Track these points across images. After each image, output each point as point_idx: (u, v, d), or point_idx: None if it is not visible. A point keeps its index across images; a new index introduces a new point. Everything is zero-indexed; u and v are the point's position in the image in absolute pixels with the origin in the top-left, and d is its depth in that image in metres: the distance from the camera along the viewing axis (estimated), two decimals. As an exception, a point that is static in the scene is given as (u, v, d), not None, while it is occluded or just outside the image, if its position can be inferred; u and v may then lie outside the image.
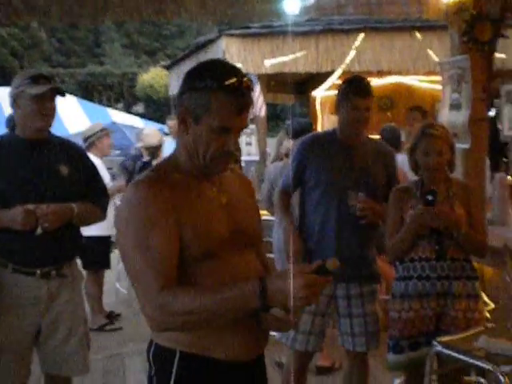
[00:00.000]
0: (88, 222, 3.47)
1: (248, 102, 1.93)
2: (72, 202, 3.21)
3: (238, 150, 1.98)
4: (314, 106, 8.94)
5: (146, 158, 6.96)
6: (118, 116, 14.82)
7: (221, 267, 1.94)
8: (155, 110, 29.06)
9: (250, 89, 1.93)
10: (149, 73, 30.04)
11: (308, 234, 3.58)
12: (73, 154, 3.38)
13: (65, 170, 3.23)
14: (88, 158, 3.57)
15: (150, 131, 7.45)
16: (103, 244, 6.18)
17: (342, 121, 3.56)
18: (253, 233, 2.11)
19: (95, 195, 3.40)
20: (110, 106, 21.22)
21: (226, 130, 1.93)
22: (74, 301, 3.31)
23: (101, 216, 3.50)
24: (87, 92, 28.54)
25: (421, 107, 7.36)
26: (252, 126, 8.05)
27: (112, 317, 6.43)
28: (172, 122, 9.38)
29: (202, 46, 8.58)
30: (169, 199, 1.90)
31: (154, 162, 7.16)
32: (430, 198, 3.19)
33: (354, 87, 3.51)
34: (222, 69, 1.95)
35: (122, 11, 4.82)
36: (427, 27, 7.57)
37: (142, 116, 20.30)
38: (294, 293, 1.73)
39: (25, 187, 3.12)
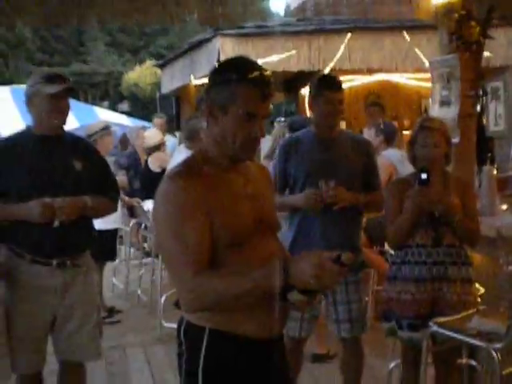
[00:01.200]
0: (100, 215, 3.64)
1: (270, 91, 2.12)
2: (85, 195, 3.36)
3: (264, 136, 2.24)
4: (303, 103, 9.11)
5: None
6: (105, 114, 14.87)
7: (248, 253, 2.11)
8: (141, 108, 29.08)
9: (270, 80, 2.12)
10: (134, 71, 30.07)
11: (292, 225, 3.75)
12: (85, 149, 3.55)
13: (78, 165, 3.38)
14: (99, 153, 3.73)
15: (150, 133, 7.63)
16: (110, 237, 6.32)
17: (317, 115, 3.71)
18: (274, 220, 2.30)
19: (107, 189, 3.55)
20: (95, 104, 21.22)
21: (253, 117, 2.09)
22: (87, 290, 3.47)
23: (112, 208, 3.66)
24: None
25: (379, 103, 7.49)
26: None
27: (113, 312, 6.57)
28: (159, 119, 9.54)
29: (197, 46, 8.72)
30: (201, 191, 2.06)
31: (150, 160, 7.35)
32: (423, 176, 3.34)
33: (326, 82, 3.72)
34: (245, 64, 2.15)
35: (108, 14, 4.92)
36: (415, 27, 7.77)
37: (127, 114, 20.34)
38: (310, 270, 1.89)
39: (41, 181, 3.26)
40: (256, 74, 2.08)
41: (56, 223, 3.24)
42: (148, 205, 6.48)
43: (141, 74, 29.76)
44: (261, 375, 2.19)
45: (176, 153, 6.07)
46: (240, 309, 2.09)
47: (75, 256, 3.39)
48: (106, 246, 6.20)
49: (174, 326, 5.92)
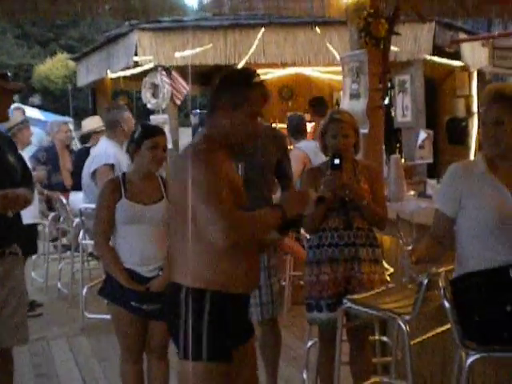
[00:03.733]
0: (26, 206, 3.68)
1: (269, 95, 2.70)
2: (18, 187, 3.47)
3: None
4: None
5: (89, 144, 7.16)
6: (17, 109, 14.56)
7: None
8: (52, 101, 28.48)
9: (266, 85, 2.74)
10: (45, 64, 29.40)
11: None
12: (12, 144, 3.69)
13: (12, 159, 3.52)
14: (15, 146, 3.84)
15: (87, 121, 7.62)
16: (30, 231, 6.29)
17: None
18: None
19: (27, 181, 3.66)
20: (5, 97, 20.63)
21: (257, 115, 2.67)
22: (22, 276, 3.62)
23: (31, 201, 3.73)
24: (-20, 84, 27.49)
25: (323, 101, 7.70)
26: (165, 116, 8.31)
27: (34, 305, 6.54)
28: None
29: (113, 39, 8.73)
30: (220, 163, 2.57)
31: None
32: (336, 161, 3.56)
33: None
34: (251, 72, 2.73)
35: (18, 6, 4.89)
36: (327, 23, 8.04)
37: (39, 107, 19.97)
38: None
39: None
40: (259, 79, 2.68)
41: (10, 213, 3.37)
42: (81, 194, 6.46)
43: (52, 67, 29.15)
44: (242, 324, 2.73)
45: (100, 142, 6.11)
46: (232, 270, 2.59)
47: (11, 245, 3.51)
48: (27, 240, 6.19)
49: (97, 316, 6.06)
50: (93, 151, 6.11)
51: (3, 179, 3.41)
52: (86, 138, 7.48)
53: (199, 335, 2.56)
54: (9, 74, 3.57)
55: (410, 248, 3.13)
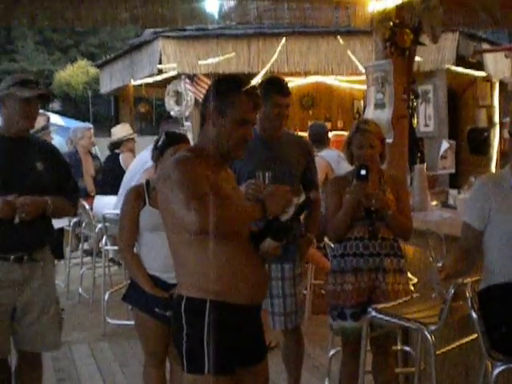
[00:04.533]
0: (60, 215, 3.83)
1: (260, 102, 2.62)
2: (46, 195, 3.48)
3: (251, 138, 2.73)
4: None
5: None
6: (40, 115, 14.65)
7: None
8: (73, 107, 28.76)
9: (259, 93, 2.66)
10: (66, 70, 29.69)
11: None
12: (48, 152, 3.68)
13: (41, 167, 3.52)
14: (62, 156, 3.87)
15: (117, 129, 7.68)
16: (57, 236, 6.32)
17: (264, 117, 3.81)
18: None
19: (67, 191, 3.69)
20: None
21: (246, 122, 2.57)
22: (45, 283, 3.60)
23: (71, 210, 3.82)
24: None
25: None
26: (188, 123, 8.36)
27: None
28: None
29: (137, 47, 8.81)
30: (203, 172, 2.50)
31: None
32: (363, 172, 3.56)
33: (276, 86, 3.85)
34: (239, 79, 2.68)
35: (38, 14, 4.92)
36: (350, 32, 8.07)
37: (59, 113, 20.13)
38: (281, 200, 2.53)
39: (5, 180, 3.40)
40: (249, 87, 2.58)
41: (16, 220, 3.36)
42: (105, 200, 6.50)
43: (72, 73, 29.42)
44: (248, 338, 2.63)
45: (144, 151, 6.19)
46: (236, 280, 2.54)
47: (32, 251, 3.51)
48: (53, 245, 6.23)
49: (118, 322, 6.11)
50: (139, 156, 6.15)
51: (29, 186, 3.43)
52: (115, 146, 7.52)
53: (200, 347, 2.49)
54: (31, 78, 3.56)
55: (439, 264, 3.11)
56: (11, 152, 3.48)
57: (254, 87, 2.62)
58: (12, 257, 3.43)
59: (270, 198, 2.53)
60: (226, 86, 2.58)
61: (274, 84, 3.88)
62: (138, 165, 5.78)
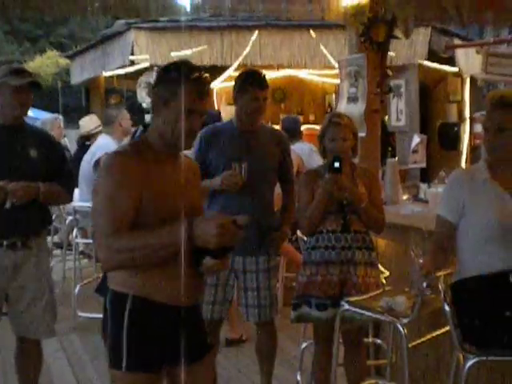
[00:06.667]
0: (55, 202, 3.94)
1: (207, 90, 2.44)
2: (40, 181, 3.51)
3: (198, 130, 2.57)
4: (211, 96, 9.26)
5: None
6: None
7: None
8: (42, 98, 28.35)
9: (208, 81, 2.44)
10: (35, 61, 29.24)
11: (213, 204, 3.88)
12: (43, 139, 3.71)
13: (34, 154, 3.55)
14: (57, 144, 3.92)
15: (85, 121, 7.59)
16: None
17: (240, 110, 3.81)
18: (198, 206, 2.60)
19: (62, 178, 3.69)
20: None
21: (191, 112, 2.38)
22: (39, 270, 3.62)
23: (67, 197, 3.84)
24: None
25: None
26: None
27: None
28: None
29: (109, 38, 8.72)
30: (137, 169, 2.35)
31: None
32: (336, 164, 3.55)
33: (253, 79, 3.81)
34: (187, 66, 2.43)
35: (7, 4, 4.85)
36: (323, 26, 8.07)
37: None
38: (212, 230, 2.23)
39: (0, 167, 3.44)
40: (196, 75, 2.38)
41: (7, 205, 3.39)
42: (76, 192, 6.45)
43: (42, 64, 29.00)
44: (175, 338, 2.44)
45: (99, 138, 6.25)
46: (159, 276, 2.38)
47: (26, 238, 3.54)
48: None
49: (89, 315, 6.05)
50: (92, 147, 6.13)
51: (22, 173, 3.46)
52: (85, 139, 7.44)
53: (119, 342, 2.40)
54: (22, 67, 3.66)
55: (421, 261, 3.10)
56: (5, 139, 3.51)
57: (200, 75, 2.40)
58: (5, 243, 3.47)
59: (199, 231, 2.26)
60: (170, 74, 2.39)
61: (252, 77, 3.84)
62: (90, 153, 5.89)
